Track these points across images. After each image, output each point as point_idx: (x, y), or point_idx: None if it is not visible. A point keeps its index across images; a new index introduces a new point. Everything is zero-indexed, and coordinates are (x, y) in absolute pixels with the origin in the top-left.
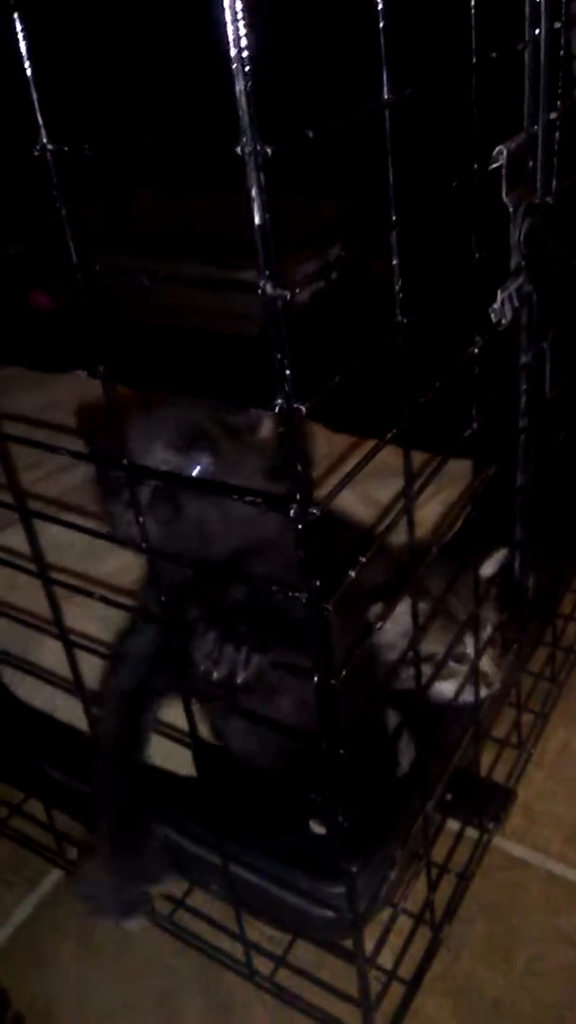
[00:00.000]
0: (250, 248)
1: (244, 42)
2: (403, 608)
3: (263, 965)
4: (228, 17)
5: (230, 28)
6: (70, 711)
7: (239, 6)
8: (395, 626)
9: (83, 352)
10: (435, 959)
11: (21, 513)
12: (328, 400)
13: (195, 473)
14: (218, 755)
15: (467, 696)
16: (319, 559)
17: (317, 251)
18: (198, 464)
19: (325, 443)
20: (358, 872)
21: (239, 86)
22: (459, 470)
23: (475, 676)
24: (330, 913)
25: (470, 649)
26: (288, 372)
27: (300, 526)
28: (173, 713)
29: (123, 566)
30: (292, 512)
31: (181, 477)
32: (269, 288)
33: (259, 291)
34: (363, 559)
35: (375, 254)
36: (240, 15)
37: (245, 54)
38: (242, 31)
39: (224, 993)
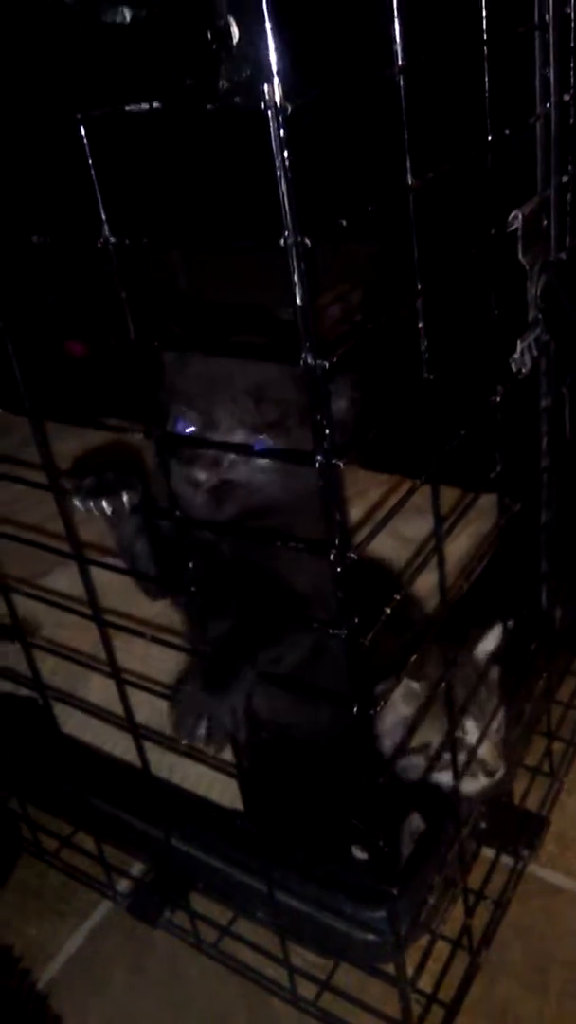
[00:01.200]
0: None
1: (288, 163)
2: (400, 692)
3: (307, 990)
4: (275, 146)
5: (276, 148)
6: (119, 745)
7: (283, 136)
8: (392, 713)
9: (119, 399)
10: (474, 983)
11: (79, 560)
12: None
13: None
14: (263, 786)
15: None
16: (357, 598)
17: (340, 295)
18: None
19: (351, 480)
20: (399, 896)
21: (283, 189)
22: (486, 503)
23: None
24: (372, 936)
25: (471, 736)
26: (328, 431)
27: (339, 569)
28: None
29: (163, 608)
30: (332, 556)
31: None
32: (310, 359)
33: (301, 362)
34: (397, 597)
35: (400, 301)
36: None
37: (289, 170)
38: (287, 155)
39: (270, 1017)
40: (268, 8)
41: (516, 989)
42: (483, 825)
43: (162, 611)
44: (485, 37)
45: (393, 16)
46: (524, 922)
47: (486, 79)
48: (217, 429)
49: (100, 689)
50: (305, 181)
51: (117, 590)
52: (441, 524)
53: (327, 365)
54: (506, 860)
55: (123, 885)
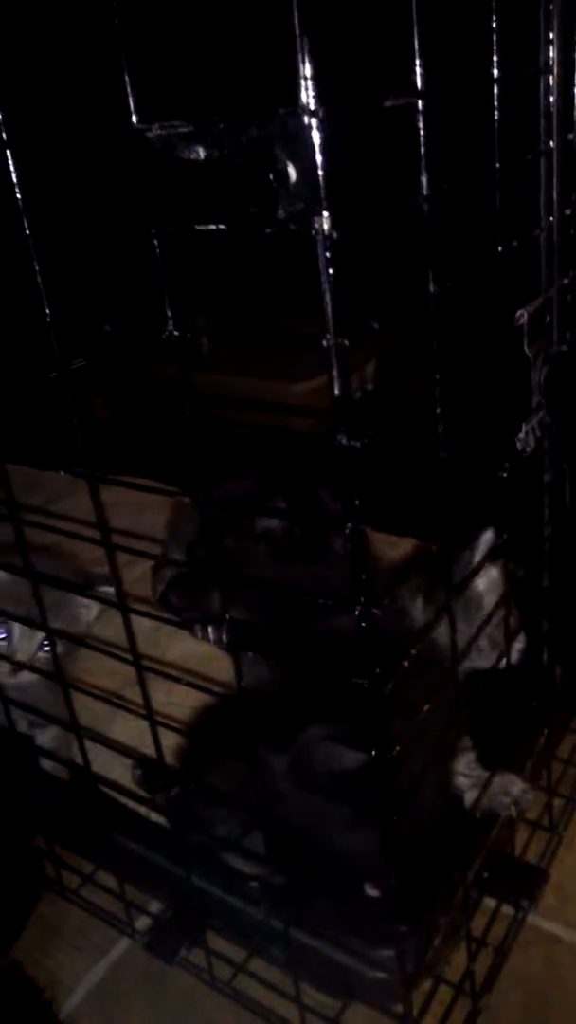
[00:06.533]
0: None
1: (332, 278)
2: None
3: None
4: (321, 265)
5: (322, 267)
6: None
7: (329, 256)
8: None
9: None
10: None
11: (122, 609)
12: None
13: None
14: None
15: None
16: (380, 650)
17: (354, 366)
18: None
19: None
20: (408, 933)
21: (327, 300)
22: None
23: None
24: (382, 974)
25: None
26: (357, 502)
27: (364, 624)
28: None
29: (186, 651)
30: (357, 612)
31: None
32: (344, 440)
33: (336, 443)
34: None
35: (413, 371)
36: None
37: (333, 283)
38: (331, 272)
39: None
40: (320, 158)
41: None
42: (485, 875)
43: (184, 655)
44: (498, 165)
45: (420, 155)
46: (524, 970)
47: (498, 199)
48: None
49: (123, 732)
50: (342, 282)
51: (144, 638)
52: (452, 586)
53: (359, 445)
54: (507, 910)
55: (141, 923)
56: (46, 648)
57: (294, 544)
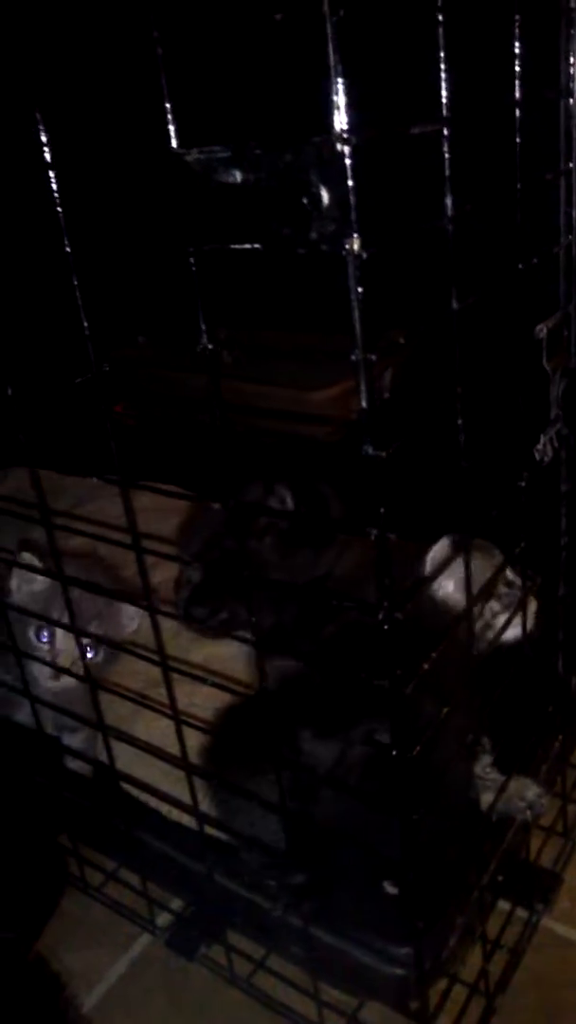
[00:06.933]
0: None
1: (360, 297)
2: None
3: None
4: (351, 284)
5: (352, 285)
6: (171, 783)
7: (358, 275)
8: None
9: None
10: None
11: (149, 610)
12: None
13: None
14: (303, 825)
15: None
16: (402, 653)
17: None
18: None
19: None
20: (424, 930)
21: (355, 316)
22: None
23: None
24: (399, 971)
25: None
26: (383, 511)
27: (387, 627)
28: None
29: (209, 655)
30: (381, 615)
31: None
32: (371, 450)
33: (363, 452)
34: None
35: (431, 382)
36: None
37: (361, 302)
38: (360, 291)
39: None
40: (351, 184)
41: None
42: (500, 878)
43: (208, 658)
44: (519, 185)
45: (445, 178)
46: (538, 971)
47: (518, 217)
48: None
49: (144, 732)
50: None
51: (167, 640)
52: (471, 591)
53: (384, 455)
54: (521, 913)
55: (162, 919)
56: (88, 655)
57: (300, 532)
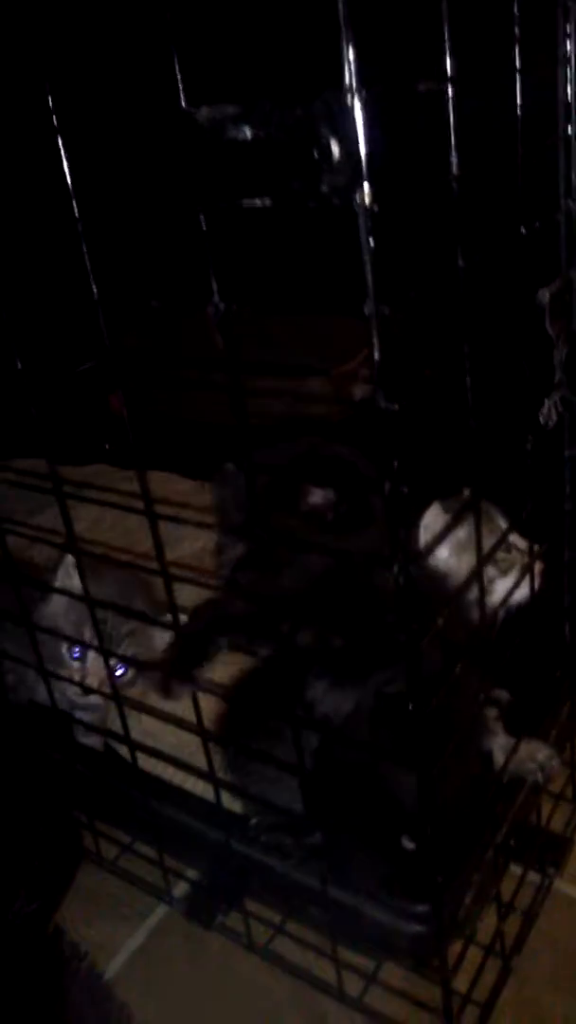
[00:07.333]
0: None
1: (372, 248)
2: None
3: (352, 988)
4: (363, 235)
5: (363, 237)
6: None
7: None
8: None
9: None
10: (505, 987)
11: (164, 576)
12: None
13: None
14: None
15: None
16: (416, 607)
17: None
18: None
19: None
20: (443, 885)
21: (368, 268)
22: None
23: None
24: (418, 927)
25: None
26: (396, 463)
27: (402, 580)
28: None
29: None
30: (395, 569)
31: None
32: (383, 403)
33: (375, 405)
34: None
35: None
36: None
37: (373, 252)
38: (372, 242)
39: (318, 1012)
40: (362, 134)
41: (546, 992)
42: (512, 843)
43: None
44: (520, 150)
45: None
46: (552, 933)
47: (520, 182)
48: None
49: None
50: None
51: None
52: (482, 552)
53: (396, 407)
54: (533, 877)
55: (178, 890)
56: (119, 672)
57: (340, 515)
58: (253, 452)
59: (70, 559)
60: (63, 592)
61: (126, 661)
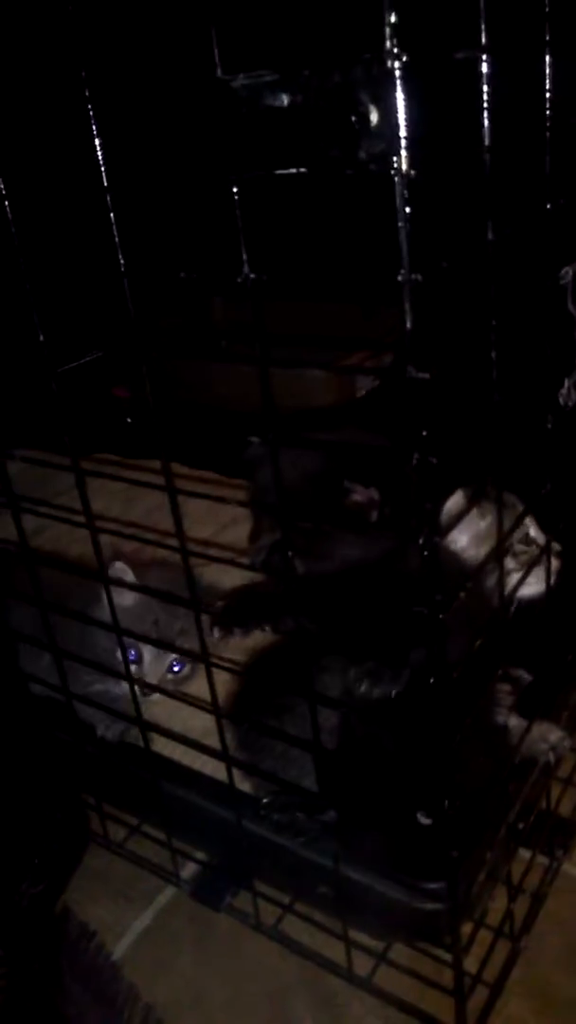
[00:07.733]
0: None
1: (409, 214)
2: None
3: (361, 968)
4: (399, 202)
5: (400, 203)
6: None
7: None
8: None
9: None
10: (515, 967)
11: (183, 552)
12: None
13: None
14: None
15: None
16: (439, 578)
17: (372, 354)
18: None
19: None
20: (458, 860)
21: (403, 236)
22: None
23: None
24: (431, 906)
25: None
26: (425, 433)
27: (426, 552)
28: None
29: None
30: (421, 540)
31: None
32: (414, 372)
33: (407, 374)
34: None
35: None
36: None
37: (410, 219)
38: (408, 210)
39: (327, 992)
40: (402, 100)
41: (556, 973)
42: (521, 826)
43: None
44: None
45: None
46: (561, 915)
47: (547, 159)
48: None
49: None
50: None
51: None
52: (503, 531)
53: (428, 376)
54: (541, 860)
55: (186, 872)
56: (175, 669)
57: (384, 517)
58: (298, 437)
59: (119, 565)
60: (135, 588)
61: (183, 654)
